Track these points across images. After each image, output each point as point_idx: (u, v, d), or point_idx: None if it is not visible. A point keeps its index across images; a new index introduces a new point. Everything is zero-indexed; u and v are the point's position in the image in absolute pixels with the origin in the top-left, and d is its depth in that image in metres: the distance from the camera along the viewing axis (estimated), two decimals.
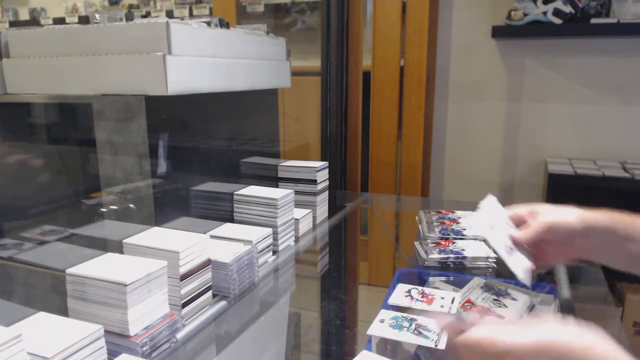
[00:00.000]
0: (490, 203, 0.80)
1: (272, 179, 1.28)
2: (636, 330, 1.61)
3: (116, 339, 0.66)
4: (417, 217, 1.20)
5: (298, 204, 1.21)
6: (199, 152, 1.05)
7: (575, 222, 0.68)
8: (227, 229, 0.98)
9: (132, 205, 0.91)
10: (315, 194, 1.25)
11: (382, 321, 0.66)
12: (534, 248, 0.73)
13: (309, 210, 1.22)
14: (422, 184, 1.95)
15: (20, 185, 1.04)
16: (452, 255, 0.97)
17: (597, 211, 0.69)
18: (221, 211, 1.08)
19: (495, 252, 0.78)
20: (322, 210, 1.30)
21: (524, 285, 0.77)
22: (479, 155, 2.01)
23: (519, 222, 0.76)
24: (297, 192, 1.20)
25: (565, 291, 0.87)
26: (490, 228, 0.74)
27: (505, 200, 1.99)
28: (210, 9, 2.60)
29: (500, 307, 0.72)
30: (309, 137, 2.02)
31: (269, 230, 1.01)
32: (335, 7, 1.73)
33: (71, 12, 3.19)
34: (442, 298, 0.73)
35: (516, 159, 1.97)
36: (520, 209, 0.76)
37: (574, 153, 1.88)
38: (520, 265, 0.70)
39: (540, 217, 0.71)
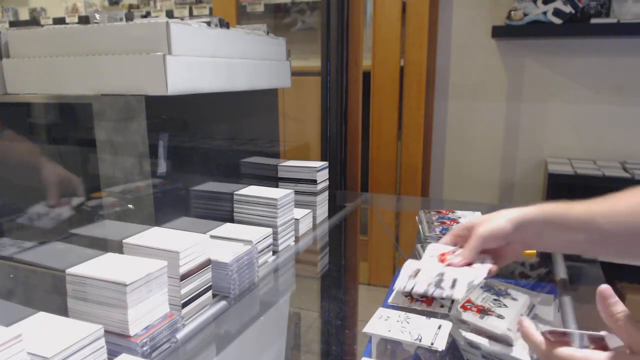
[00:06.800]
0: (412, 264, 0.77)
1: (272, 179, 1.28)
2: None
3: (116, 339, 0.66)
4: (417, 217, 1.20)
5: (298, 204, 1.21)
6: (199, 152, 1.05)
7: (505, 224, 0.72)
8: (227, 229, 0.98)
9: (131, 206, 0.91)
10: (315, 194, 1.25)
11: (379, 319, 0.66)
12: (487, 253, 0.76)
13: (309, 210, 1.22)
14: (422, 184, 1.95)
15: (20, 185, 1.04)
16: None
17: (529, 206, 0.73)
18: (221, 211, 1.08)
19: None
20: (322, 210, 1.30)
21: (520, 284, 0.77)
22: (479, 155, 2.01)
23: (461, 241, 0.79)
24: (297, 192, 1.20)
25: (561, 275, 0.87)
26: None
27: (505, 200, 2.00)
28: (210, 9, 2.60)
29: (500, 307, 0.72)
30: (309, 137, 2.02)
31: (269, 230, 1.01)
32: (335, 7, 1.73)
33: (71, 12, 3.19)
34: (442, 298, 0.73)
35: (516, 159, 1.97)
36: (458, 229, 0.81)
37: (574, 153, 1.88)
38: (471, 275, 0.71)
39: (474, 231, 0.75)
